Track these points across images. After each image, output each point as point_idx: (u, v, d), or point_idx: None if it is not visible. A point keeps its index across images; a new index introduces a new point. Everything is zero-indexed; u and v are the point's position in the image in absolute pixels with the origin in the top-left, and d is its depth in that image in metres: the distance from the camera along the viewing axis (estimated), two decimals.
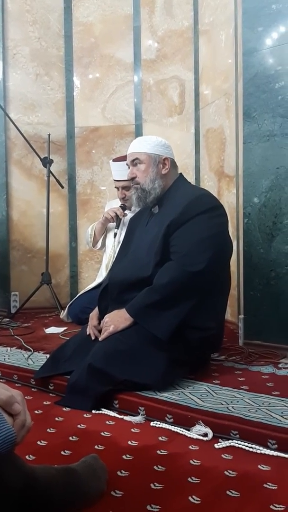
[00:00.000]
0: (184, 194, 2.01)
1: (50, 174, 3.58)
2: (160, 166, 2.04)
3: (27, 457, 1.29)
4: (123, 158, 3.02)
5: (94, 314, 2.09)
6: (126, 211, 3.00)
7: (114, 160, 3.04)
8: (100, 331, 1.95)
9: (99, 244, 3.18)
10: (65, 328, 2.92)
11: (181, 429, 1.48)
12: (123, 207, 2.99)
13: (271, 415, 1.47)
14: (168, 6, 3.65)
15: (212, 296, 1.91)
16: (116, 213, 2.96)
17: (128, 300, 1.89)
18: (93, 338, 1.98)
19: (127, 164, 2.12)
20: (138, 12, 3.75)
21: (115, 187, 3.04)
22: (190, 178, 3.60)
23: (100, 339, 1.87)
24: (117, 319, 1.86)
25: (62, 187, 3.67)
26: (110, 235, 3.07)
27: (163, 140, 2.09)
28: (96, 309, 2.10)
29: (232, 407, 1.55)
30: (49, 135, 3.61)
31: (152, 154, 2.04)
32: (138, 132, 3.80)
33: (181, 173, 2.16)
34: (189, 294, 1.83)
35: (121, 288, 1.98)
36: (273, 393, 1.70)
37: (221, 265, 1.96)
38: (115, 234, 2.96)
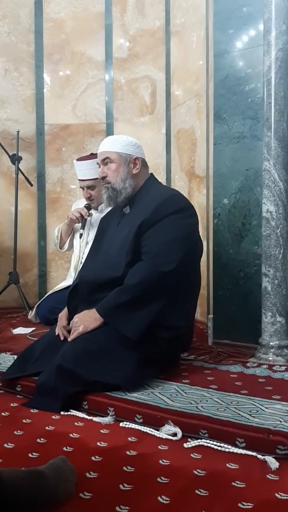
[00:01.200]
0: (155, 194, 2.01)
1: (19, 172, 3.52)
2: (131, 165, 2.03)
3: None
4: (87, 158, 3.00)
5: (63, 314, 2.06)
6: (92, 211, 2.98)
7: (78, 160, 3.00)
8: (69, 332, 1.93)
9: (66, 246, 3.14)
10: (33, 328, 2.88)
11: (151, 429, 1.47)
12: (88, 207, 2.96)
13: (239, 414, 1.49)
14: (140, 6, 3.65)
15: (182, 295, 1.91)
16: (81, 214, 2.93)
17: (99, 300, 1.87)
18: (62, 338, 1.96)
19: (97, 163, 2.10)
20: (109, 10, 3.73)
21: (80, 187, 3.02)
22: (161, 178, 3.61)
23: (69, 339, 1.85)
24: (87, 319, 1.84)
25: (31, 185, 3.61)
26: (78, 236, 3.04)
27: (134, 140, 2.09)
28: (65, 309, 2.07)
29: (201, 406, 1.56)
30: (18, 131, 3.54)
31: (123, 153, 2.03)
32: (109, 131, 3.78)
33: (152, 173, 2.16)
34: (160, 294, 1.83)
35: (91, 288, 1.96)
36: (241, 392, 1.72)
37: (191, 264, 1.97)
38: (81, 235, 2.93)
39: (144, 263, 1.86)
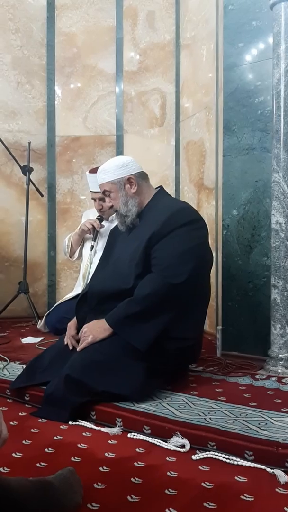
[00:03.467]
0: (165, 207, 2.01)
1: (30, 182, 3.56)
2: (127, 186, 2.02)
3: (1, 469, 1.27)
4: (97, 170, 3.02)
5: (72, 324, 2.07)
6: (104, 222, 2.99)
7: (90, 172, 3.03)
8: (78, 341, 1.93)
9: (76, 255, 3.16)
10: (42, 338, 2.88)
11: (159, 441, 1.47)
12: (100, 219, 2.99)
13: (248, 426, 1.47)
14: (150, 20, 3.70)
15: (192, 307, 1.91)
16: (93, 225, 2.95)
17: (108, 310, 1.88)
18: (70, 348, 1.96)
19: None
20: (120, 24, 3.79)
21: (92, 198, 3.04)
22: (170, 189, 3.63)
23: (78, 349, 1.85)
24: (96, 329, 1.84)
25: (42, 195, 3.65)
26: (88, 246, 3.06)
27: (121, 160, 2.07)
28: (74, 319, 2.08)
29: (210, 418, 1.55)
30: (29, 143, 3.59)
31: (115, 180, 2.02)
32: (119, 143, 3.82)
33: (161, 186, 2.18)
34: (169, 306, 1.83)
35: (101, 298, 1.97)
36: (250, 404, 1.71)
37: (201, 276, 1.97)
38: (92, 247, 2.95)
39: (154, 275, 1.86)
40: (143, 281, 1.85)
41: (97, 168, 3.08)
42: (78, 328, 2.00)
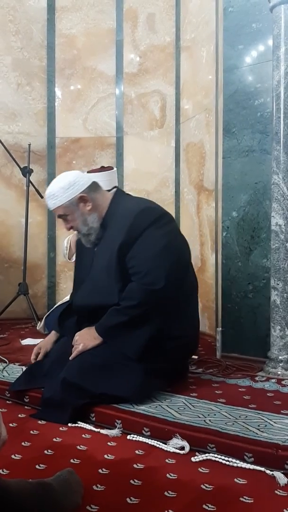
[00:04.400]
0: (126, 211, 1.93)
1: (30, 184, 3.56)
2: (81, 205, 1.92)
3: (0, 471, 1.27)
4: (98, 170, 3.03)
5: (46, 342, 2.12)
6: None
7: (89, 172, 3.04)
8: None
9: (75, 257, 3.16)
10: (41, 339, 2.87)
11: (158, 443, 1.47)
12: None
13: (247, 428, 1.47)
14: (150, 22, 3.71)
15: (183, 303, 1.91)
16: None
17: (97, 320, 1.88)
18: (32, 361, 2.03)
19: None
20: (121, 26, 3.79)
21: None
22: (170, 191, 3.64)
23: (70, 358, 1.84)
24: (87, 338, 1.85)
25: (42, 197, 3.63)
26: None
27: (67, 180, 1.93)
28: (50, 336, 2.14)
29: (209, 420, 1.55)
30: (29, 144, 3.59)
31: (66, 202, 1.90)
32: (119, 144, 3.82)
33: (116, 188, 2.10)
34: (157, 310, 1.82)
35: (86, 313, 1.97)
36: (249, 406, 1.71)
37: (183, 269, 1.95)
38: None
39: (135, 284, 1.83)
40: (126, 292, 1.83)
41: (96, 169, 3.09)
42: (61, 335, 2.07)
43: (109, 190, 2.95)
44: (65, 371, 1.76)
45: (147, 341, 1.79)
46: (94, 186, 1.98)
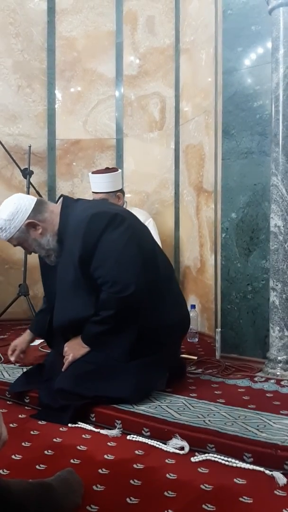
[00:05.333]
0: (77, 221, 1.85)
1: (30, 185, 3.57)
2: (31, 231, 1.87)
3: (1, 471, 1.27)
4: (102, 171, 3.05)
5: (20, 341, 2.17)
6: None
7: (93, 173, 3.06)
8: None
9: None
10: (41, 340, 2.88)
11: (158, 443, 1.47)
12: None
13: (247, 429, 1.48)
14: (150, 24, 3.72)
15: (158, 292, 1.88)
16: None
17: (81, 332, 1.87)
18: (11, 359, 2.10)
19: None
20: (120, 29, 3.80)
21: (93, 199, 3.05)
22: (170, 192, 3.65)
23: (62, 369, 1.84)
24: (75, 347, 1.86)
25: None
26: None
27: (9, 210, 1.84)
28: (23, 336, 2.19)
29: (209, 420, 1.56)
30: (29, 146, 3.60)
31: (15, 233, 1.86)
32: (119, 146, 3.83)
33: (63, 197, 2.00)
34: (135, 312, 1.81)
35: (66, 330, 1.95)
36: (249, 406, 1.72)
37: (148, 262, 1.88)
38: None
39: (105, 295, 1.78)
40: (101, 304, 1.79)
41: (100, 170, 3.11)
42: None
43: (109, 193, 2.98)
44: (59, 381, 1.77)
45: (132, 343, 1.80)
46: (39, 207, 1.89)
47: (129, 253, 1.81)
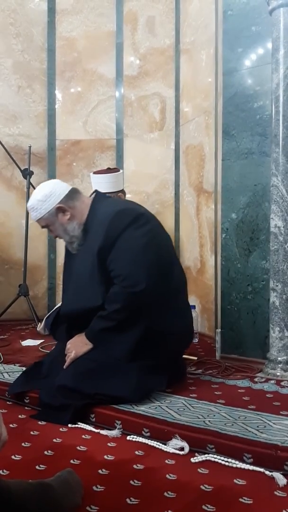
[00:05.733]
0: (103, 214, 1.94)
1: (30, 186, 3.57)
2: (60, 215, 1.95)
3: (0, 471, 1.27)
4: (103, 171, 3.06)
5: None
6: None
7: (95, 173, 3.06)
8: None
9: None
10: (41, 340, 2.89)
11: (158, 443, 1.47)
12: None
13: (247, 429, 1.48)
14: (150, 25, 3.72)
15: (167, 299, 1.91)
16: None
17: (84, 327, 1.89)
18: None
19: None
20: (121, 29, 3.81)
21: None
22: (170, 193, 3.65)
23: (64, 367, 1.85)
24: (78, 344, 1.87)
25: None
26: None
27: (43, 192, 1.96)
28: None
29: (209, 421, 1.56)
30: (30, 146, 3.60)
31: (45, 214, 1.95)
32: (119, 147, 3.83)
33: (96, 192, 2.09)
34: (142, 312, 1.83)
35: (72, 319, 1.98)
36: (249, 407, 1.72)
37: (164, 268, 1.93)
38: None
39: (117, 288, 1.83)
40: (109, 296, 1.84)
41: (102, 170, 3.11)
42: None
43: (110, 193, 2.98)
44: (60, 378, 1.78)
45: (135, 343, 1.81)
46: (72, 194, 1.98)
47: (146, 254, 1.86)
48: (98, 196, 2.06)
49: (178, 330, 1.93)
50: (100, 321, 1.84)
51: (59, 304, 3.18)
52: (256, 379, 2.09)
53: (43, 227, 2.04)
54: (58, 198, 1.94)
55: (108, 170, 3.03)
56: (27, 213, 3.58)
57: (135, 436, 1.54)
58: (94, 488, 1.20)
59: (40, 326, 3.15)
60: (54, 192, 1.95)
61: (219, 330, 2.50)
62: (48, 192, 1.95)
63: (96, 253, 1.86)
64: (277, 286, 2.16)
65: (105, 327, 1.83)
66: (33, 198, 1.98)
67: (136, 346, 1.81)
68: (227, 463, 1.34)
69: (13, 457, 1.37)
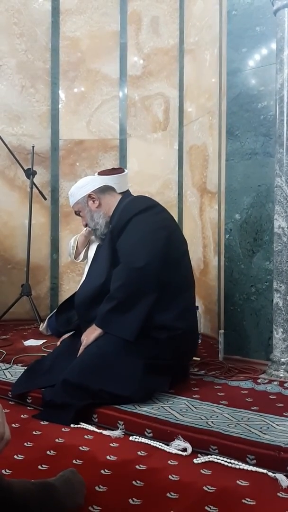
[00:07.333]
0: (122, 206, 2.15)
1: (33, 186, 3.57)
2: (90, 203, 2.21)
3: (3, 471, 1.27)
4: (108, 172, 3.04)
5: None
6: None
7: (99, 174, 3.05)
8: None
9: (81, 256, 3.17)
10: (44, 340, 2.89)
11: (160, 444, 1.47)
12: None
13: (250, 430, 1.48)
14: (154, 25, 3.72)
15: (171, 293, 1.93)
16: None
17: (95, 317, 1.93)
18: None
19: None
20: (124, 29, 3.80)
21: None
22: (173, 193, 3.64)
23: (78, 355, 1.88)
24: (88, 332, 1.91)
25: (45, 198, 3.66)
26: (93, 247, 3.06)
27: (82, 181, 2.27)
28: None
29: (212, 422, 1.55)
30: (33, 146, 3.60)
31: (79, 199, 2.22)
32: (122, 147, 3.83)
33: (126, 191, 2.31)
34: (145, 291, 1.87)
35: (86, 305, 2.02)
36: (252, 408, 1.71)
37: (173, 260, 1.98)
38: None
39: (120, 265, 1.94)
40: (113, 274, 1.93)
41: (106, 170, 3.10)
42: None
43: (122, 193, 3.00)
44: (66, 372, 1.78)
45: (141, 321, 1.83)
46: (105, 188, 2.25)
47: (153, 238, 1.96)
48: (127, 194, 2.31)
49: (178, 327, 1.92)
50: (105, 303, 1.89)
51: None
52: (259, 380, 2.08)
53: (76, 213, 2.28)
54: (92, 187, 2.22)
55: (113, 171, 3.02)
56: (30, 213, 3.58)
57: (137, 437, 1.53)
58: (97, 488, 1.20)
59: (42, 326, 3.15)
60: (90, 182, 2.25)
61: (222, 331, 2.50)
62: (85, 182, 2.26)
63: (110, 236, 2.05)
64: (280, 287, 2.15)
65: (110, 308, 1.86)
66: (73, 186, 2.29)
67: (142, 324, 1.83)
68: (230, 464, 1.34)
69: (15, 456, 1.37)
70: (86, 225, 2.29)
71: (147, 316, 1.85)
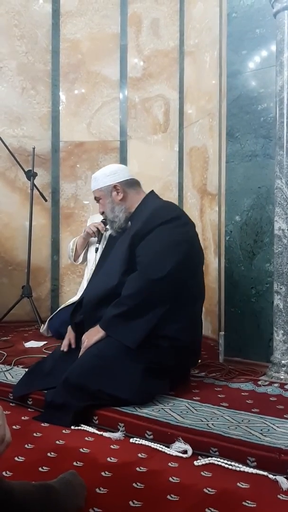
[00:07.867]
0: (149, 207, 2.07)
1: (34, 187, 3.58)
2: (114, 194, 2.11)
3: (4, 473, 1.27)
4: None
5: (70, 328, 2.11)
6: (108, 226, 3.01)
7: None
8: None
9: (80, 259, 3.18)
10: (45, 342, 2.89)
11: (161, 446, 1.47)
12: (105, 222, 3.00)
13: (250, 433, 1.47)
14: (154, 27, 3.73)
15: (181, 306, 1.91)
16: (97, 228, 2.96)
17: (101, 318, 1.92)
18: (65, 349, 2.01)
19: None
20: (125, 31, 3.81)
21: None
22: (173, 195, 3.65)
23: (79, 356, 1.87)
24: (90, 333, 1.90)
25: (46, 200, 3.67)
26: (92, 250, 3.07)
27: (110, 168, 2.17)
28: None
29: (212, 424, 1.55)
30: (33, 148, 3.61)
31: (103, 187, 2.12)
32: (123, 148, 3.84)
33: (152, 190, 2.21)
34: (157, 303, 1.85)
35: (94, 304, 2.00)
36: (252, 410, 1.71)
37: (189, 273, 1.96)
38: (97, 249, 2.96)
39: (137, 273, 1.90)
40: (128, 281, 1.90)
41: None
42: (75, 332, 2.06)
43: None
44: (67, 373, 1.78)
45: (145, 332, 1.81)
46: (132, 182, 2.15)
47: (174, 250, 1.92)
48: (152, 194, 2.19)
49: (183, 338, 1.91)
50: (113, 307, 1.87)
51: (62, 306, 3.20)
52: (259, 382, 2.08)
53: (95, 198, 2.18)
54: (119, 178, 2.12)
55: None
56: (31, 215, 3.59)
57: (138, 439, 1.53)
58: (97, 490, 1.20)
59: (43, 328, 3.15)
60: (118, 173, 2.14)
61: (222, 333, 2.50)
62: (113, 170, 2.15)
63: (131, 236, 1.97)
64: (281, 289, 2.16)
65: (117, 313, 1.84)
66: (101, 170, 2.18)
67: (146, 335, 1.81)
68: (230, 467, 1.34)
69: (16, 458, 1.37)
70: (103, 213, 2.19)
71: (153, 327, 1.83)
